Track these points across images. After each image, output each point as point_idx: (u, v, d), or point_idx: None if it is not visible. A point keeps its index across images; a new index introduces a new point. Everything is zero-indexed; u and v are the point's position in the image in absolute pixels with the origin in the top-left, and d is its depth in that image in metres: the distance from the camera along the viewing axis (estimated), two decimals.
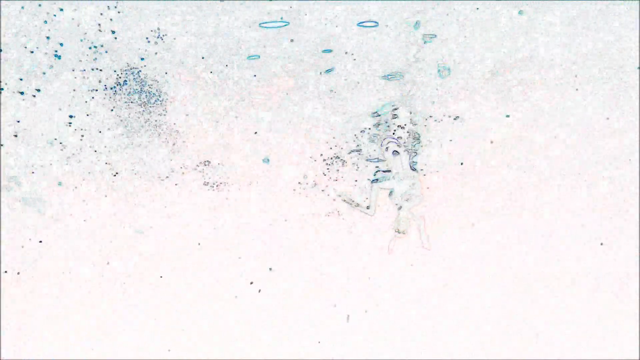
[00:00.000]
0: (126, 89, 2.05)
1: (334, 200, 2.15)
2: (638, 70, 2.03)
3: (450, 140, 2.10)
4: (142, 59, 2.04)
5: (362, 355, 2.14)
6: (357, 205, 2.17)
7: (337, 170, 2.13)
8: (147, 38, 2.03)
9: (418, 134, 2.13)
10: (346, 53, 2.08)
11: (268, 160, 2.11)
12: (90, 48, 2.03)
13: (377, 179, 2.17)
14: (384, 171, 2.17)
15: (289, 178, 2.13)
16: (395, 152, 2.14)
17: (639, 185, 2.08)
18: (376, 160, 2.15)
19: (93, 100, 2.05)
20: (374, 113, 2.11)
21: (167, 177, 2.09)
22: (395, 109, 2.12)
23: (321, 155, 2.12)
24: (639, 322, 2.09)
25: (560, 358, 2.12)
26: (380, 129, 2.15)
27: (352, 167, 2.14)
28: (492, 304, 2.14)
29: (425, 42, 2.08)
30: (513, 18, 2.04)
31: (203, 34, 2.05)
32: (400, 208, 2.18)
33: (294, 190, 2.13)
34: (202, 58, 2.05)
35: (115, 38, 2.03)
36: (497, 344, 2.14)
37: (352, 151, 2.14)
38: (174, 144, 2.08)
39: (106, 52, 2.03)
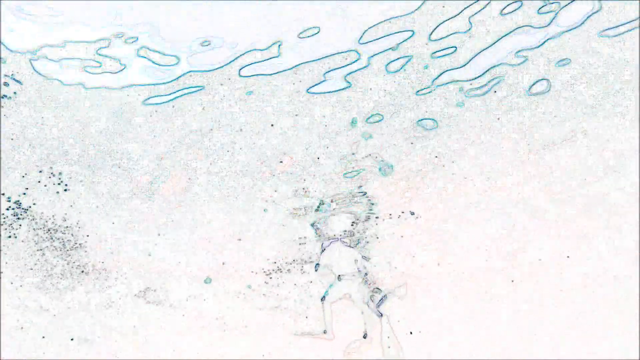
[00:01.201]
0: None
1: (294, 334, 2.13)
2: (638, 69, 2.02)
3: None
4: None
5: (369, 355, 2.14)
6: (313, 334, 2.11)
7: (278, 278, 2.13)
8: None
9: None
10: None
11: (210, 280, 2.11)
12: None
13: (324, 296, 2.12)
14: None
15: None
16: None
17: (639, 184, 2.07)
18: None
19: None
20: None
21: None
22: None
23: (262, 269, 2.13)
24: (639, 322, 2.09)
25: (560, 358, 2.12)
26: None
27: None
28: (492, 303, 2.13)
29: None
30: None
31: None
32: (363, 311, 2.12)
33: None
34: None
35: None
36: (497, 344, 2.14)
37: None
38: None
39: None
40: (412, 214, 2.12)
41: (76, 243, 2.10)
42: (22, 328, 2.10)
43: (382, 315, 2.13)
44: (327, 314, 2.13)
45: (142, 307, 2.12)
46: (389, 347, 2.11)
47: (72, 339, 2.09)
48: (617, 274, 2.10)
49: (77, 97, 2.05)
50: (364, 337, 2.14)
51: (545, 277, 2.12)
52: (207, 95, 2.09)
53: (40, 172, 2.05)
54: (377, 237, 2.11)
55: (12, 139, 2.04)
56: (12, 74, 1.95)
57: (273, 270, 2.14)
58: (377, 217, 2.12)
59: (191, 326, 2.14)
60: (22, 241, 2.07)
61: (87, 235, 2.09)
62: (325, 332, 2.13)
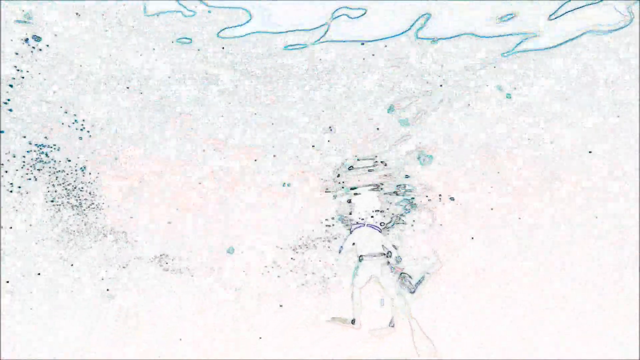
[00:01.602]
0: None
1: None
2: (638, 69, 2.05)
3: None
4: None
5: (363, 355, 2.13)
6: (341, 322, 2.09)
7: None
8: None
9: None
10: None
11: (232, 250, 2.11)
12: None
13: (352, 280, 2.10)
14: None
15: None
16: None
17: (639, 184, 2.08)
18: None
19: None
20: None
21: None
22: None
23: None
24: (639, 322, 2.09)
25: (560, 358, 2.11)
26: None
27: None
28: (492, 303, 2.13)
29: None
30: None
31: None
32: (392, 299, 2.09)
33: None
34: None
35: None
36: (497, 344, 2.13)
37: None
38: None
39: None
40: (452, 199, 2.12)
41: (93, 203, 2.10)
42: (39, 274, 2.09)
43: (415, 291, 2.10)
44: (357, 302, 2.10)
45: (159, 274, 2.11)
46: (418, 341, 2.10)
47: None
48: (617, 274, 2.11)
49: None
50: (391, 325, 2.13)
51: (545, 277, 2.12)
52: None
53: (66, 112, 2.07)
54: (412, 224, 2.11)
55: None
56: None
57: (299, 246, 2.13)
58: (412, 199, 2.12)
59: (210, 297, 2.12)
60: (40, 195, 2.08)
61: (104, 197, 2.10)
62: (353, 321, 2.10)
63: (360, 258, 2.13)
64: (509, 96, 2.06)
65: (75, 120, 2.09)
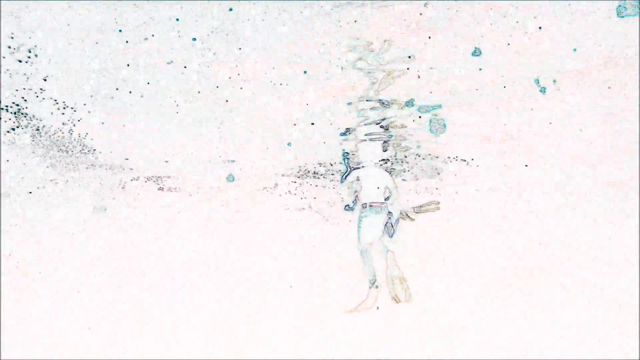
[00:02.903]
0: None
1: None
2: (638, 68, 2.05)
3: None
4: None
5: (360, 355, 2.13)
6: (366, 307, 2.06)
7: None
8: None
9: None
10: None
11: (233, 178, 2.10)
12: None
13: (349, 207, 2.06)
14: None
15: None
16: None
17: (639, 184, 2.09)
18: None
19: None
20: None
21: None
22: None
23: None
24: (639, 322, 2.09)
25: (560, 358, 2.12)
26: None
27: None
28: (492, 303, 2.14)
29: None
30: None
31: None
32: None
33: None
34: None
35: None
36: (497, 344, 2.13)
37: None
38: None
39: None
40: (464, 161, 2.10)
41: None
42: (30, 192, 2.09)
43: (393, 234, 2.07)
44: (368, 260, 2.06)
45: (158, 194, 2.10)
46: (393, 281, 2.07)
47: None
48: (617, 274, 2.11)
49: None
50: (374, 285, 2.09)
51: (545, 277, 2.13)
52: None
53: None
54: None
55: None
56: None
57: (302, 173, 2.10)
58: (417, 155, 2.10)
59: (210, 217, 2.11)
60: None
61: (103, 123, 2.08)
62: (376, 286, 2.05)
63: (365, 205, 2.08)
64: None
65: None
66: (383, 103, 2.06)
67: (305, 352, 2.12)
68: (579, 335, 2.11)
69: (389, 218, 2.06)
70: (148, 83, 2.08)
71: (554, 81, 2.06)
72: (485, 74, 2.07)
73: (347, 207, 2.06)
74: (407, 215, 2.05)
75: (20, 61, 2.04)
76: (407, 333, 2.14)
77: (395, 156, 2.08)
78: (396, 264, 2.06)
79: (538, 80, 2.04)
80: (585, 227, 2.12)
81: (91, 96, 2.06)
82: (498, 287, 2.13)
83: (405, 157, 2.08)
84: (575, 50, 2.05)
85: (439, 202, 2.07)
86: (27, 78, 2.05)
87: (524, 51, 2.07)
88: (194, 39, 2.07)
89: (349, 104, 2.07)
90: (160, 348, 2.12)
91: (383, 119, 2.08)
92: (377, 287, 2.05)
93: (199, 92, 2.07)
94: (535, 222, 2.13)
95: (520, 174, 2.13)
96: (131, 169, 2.08)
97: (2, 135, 2.04)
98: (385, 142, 2.08)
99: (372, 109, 2.07)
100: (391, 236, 2.06)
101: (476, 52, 2.05)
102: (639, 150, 2.09)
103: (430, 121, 2.05)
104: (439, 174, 2.06)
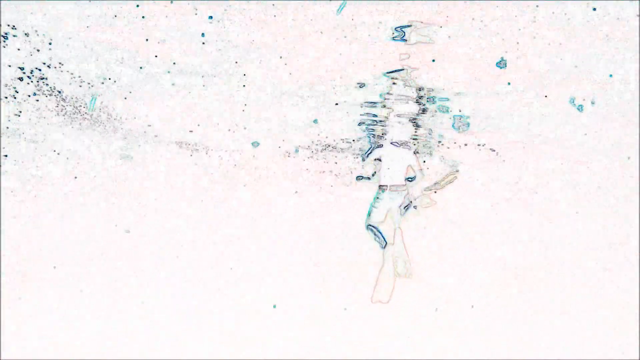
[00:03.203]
0: None
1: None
2: (638, 67, 2.12)
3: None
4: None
5: (362, 355, 2.10)
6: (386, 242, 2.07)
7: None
8: None
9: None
10: None
11: (257, 143, 2.11)
12: None
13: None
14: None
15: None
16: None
17: (639, 184, 2.13)
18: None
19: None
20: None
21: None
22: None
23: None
24: (639, 322, 2.09)
25: (560, 358, 2.10)
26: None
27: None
28: (492, 303, 2.13)
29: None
30: None
31: None
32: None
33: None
34: None
35: None
36: (497, 344, 2.12)
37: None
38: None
39: None
40: (493, 150, 2.11)
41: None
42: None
43: (404, 213, 2.06)
44: (377, 234, 2.05)
45: (175, 152, 2.08)
46: (398, 258, 2.07)
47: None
48: (617, 274, 2.12)
49: None
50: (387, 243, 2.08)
51: (545, 277, 2.14)
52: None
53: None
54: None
55: None
56: None
57: (321, 144, 2.09)
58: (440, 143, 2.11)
59: (229, 175, 2.09)
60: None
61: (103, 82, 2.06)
62: (386, 243, 2.05)
63: (382, 188, 2.08)
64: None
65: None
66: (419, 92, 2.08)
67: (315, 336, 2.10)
68: (579, 335, 2.10)
69: (406, 200, 2.06)
70: (174, 63, 2.12)
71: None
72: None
73: (360, 177, 2.07)
74: (429, 198, 2.07)
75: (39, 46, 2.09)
76: (407, 333, 2.12)
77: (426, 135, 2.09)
78: (402, 241, 2.07)
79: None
80: (585, 227, 2.15)
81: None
82: (498, 287, 2.14)
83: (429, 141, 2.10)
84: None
85: (457, 171, 2.09)
86: (50, 48, 2.09)
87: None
88: (210, 17, 2.11)
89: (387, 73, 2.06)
90: (161, 348, 2.08)
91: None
92: (392, 244, 2.07)
93: (220, 66, 2.10)
94: (536, 222, 2.16)
95: (520, 174, 2.17)
96: (156, 136, 2.09)
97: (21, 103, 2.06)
98: (416, 125, 2.08)
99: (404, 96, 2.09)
100: (402, 215, 2.07)
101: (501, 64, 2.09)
102: (639, 150, 2.14)
103: (454, 118, 2.09)
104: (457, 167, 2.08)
